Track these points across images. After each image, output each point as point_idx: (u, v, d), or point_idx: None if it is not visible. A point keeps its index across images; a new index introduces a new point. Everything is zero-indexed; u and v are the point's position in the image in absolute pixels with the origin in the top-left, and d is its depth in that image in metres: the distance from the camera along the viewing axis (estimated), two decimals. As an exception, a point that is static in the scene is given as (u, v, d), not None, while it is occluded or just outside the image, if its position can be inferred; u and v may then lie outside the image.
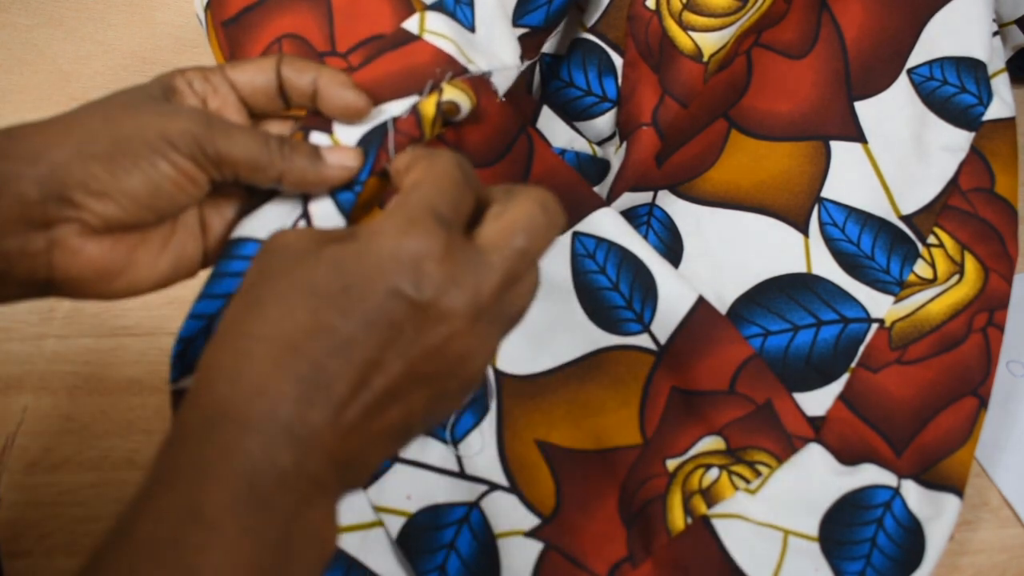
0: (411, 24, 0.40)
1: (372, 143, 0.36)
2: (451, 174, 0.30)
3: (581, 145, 0.52)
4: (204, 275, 0.37)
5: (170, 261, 0.34)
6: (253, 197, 0.36)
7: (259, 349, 0.27)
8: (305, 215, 0.35)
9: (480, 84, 0.40)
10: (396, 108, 0.37)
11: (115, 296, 0.33)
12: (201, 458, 0.26)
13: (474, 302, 0.28)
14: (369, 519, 0.42)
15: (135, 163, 0.31)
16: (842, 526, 0.42)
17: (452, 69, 0.39)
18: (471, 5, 0.42)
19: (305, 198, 0.35)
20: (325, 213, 0.35)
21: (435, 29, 0.39)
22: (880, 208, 0.51)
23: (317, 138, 0.36)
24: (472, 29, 0.41)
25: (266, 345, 0.27)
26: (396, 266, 0.28)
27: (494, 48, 0.42)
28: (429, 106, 0.37)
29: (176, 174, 0.32)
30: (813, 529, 0.42)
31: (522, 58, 0.44)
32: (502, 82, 0.42)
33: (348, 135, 0.36)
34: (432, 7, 0.41)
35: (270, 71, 0.35)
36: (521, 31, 0.45)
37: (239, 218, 0.36)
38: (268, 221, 0.35)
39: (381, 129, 0.36)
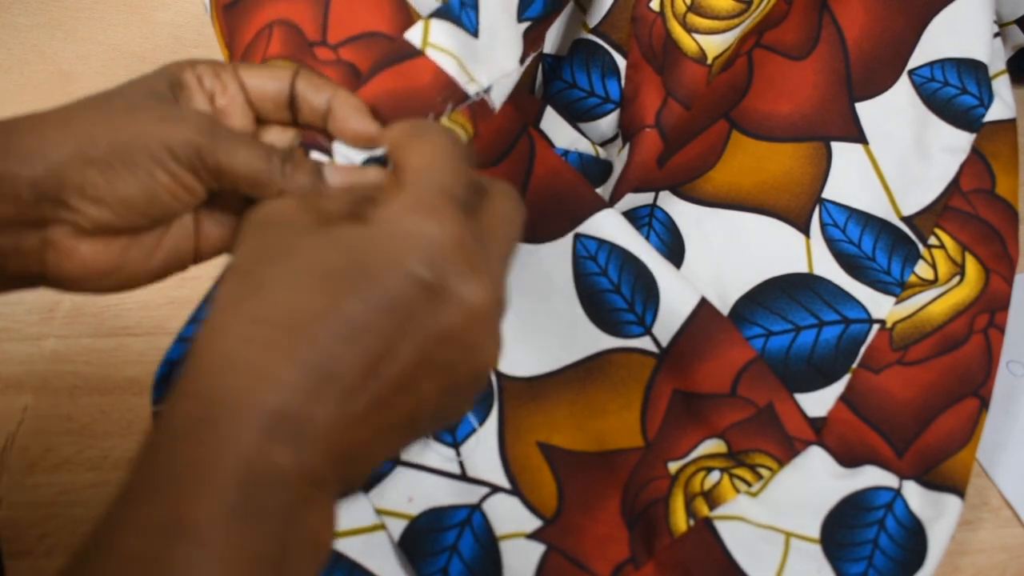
0: (414, 35, 0.39)
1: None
2: (457, 154, 0.29)
3: (584, 146, 0.52)
4: (203, 274, 0.36)
5: (162, 260, 0.34)
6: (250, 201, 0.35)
7: (261, 333, 0.25)
8: None
9: (478, 110, 0.40)
10: None
11: (107, 291, 0.33)
12: (190, 459, 0.24)
13: (488, 288, 0.27)
14: (371, 522, 0.42)
15: (133, 171, 0.30)
16: (844, 528, 0.43)
17: (453, 97, 0.38)
18: (475, 8, 0.41)
19: None
20: None
21: (438, 43, 0.39)
22: (881, 209, 0.51)
23: (316, 158, 0.36)
24: (475, 34, 0.41)
25: (269, 329, 0.25)
26: (414, 249, 0.26)
27: (496, 54, 0.41)
28: None
29: (173, 184, 0.31)
30: (815, 531, 0.42)
31: (522, 59, 0.44)
32: (501, 91, 0.42)
33: (346, 158, 0.36)
34: (437, 14, 0.40)
35: (284, 80, 0.35)
36: (524, 25, 0.45)
37: (234, 220, 0.35)
38: None
39: (379, 162, 0.36)
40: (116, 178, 0.30)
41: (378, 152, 0.36)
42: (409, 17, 0.42)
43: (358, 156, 0.36)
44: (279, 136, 0.36)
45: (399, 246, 0.26)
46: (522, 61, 0.43)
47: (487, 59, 0.41)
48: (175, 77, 0.33)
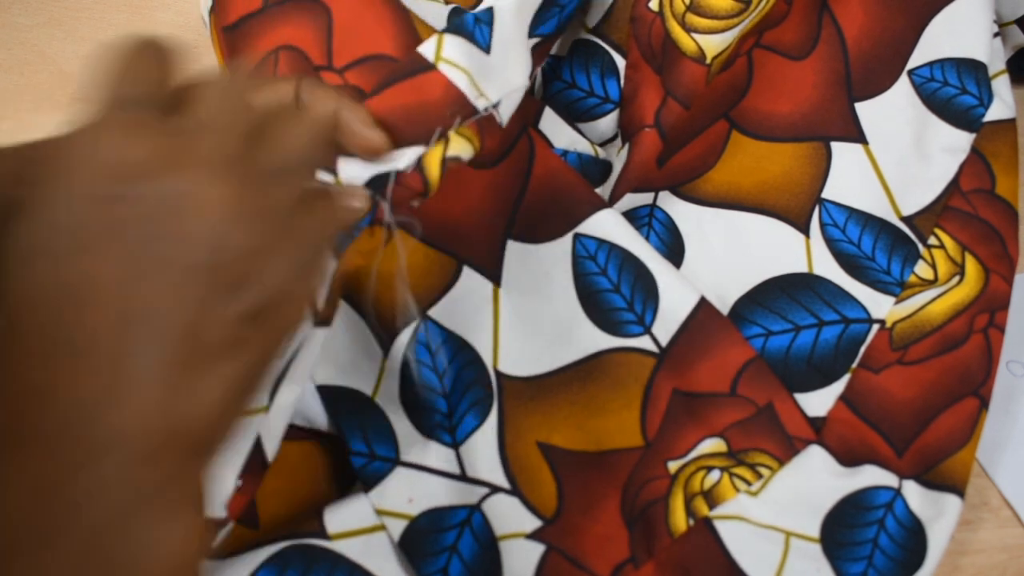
0: (427, 49, 0.40)
1: (374, 192, 0.36)
2: (124, 51, 0.26)
3: (583, 146, 0.52)
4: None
5: None
6: None
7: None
8: None
9: (486, 124, 0.40)
10: (403, 156, 0.37)
11: None
12: None
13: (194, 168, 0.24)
14: (371, 523, 0.42)
15: None
16: (844, 527, 0.43)
17: (462, 112, 0.39)
18: (490, 24, 0.42)
19: None
20: None
21: (450, 57, 0.39)
22: (881, 209, 0.51)
23: (319, 174, 0.36)
24: (488, 50, 0.41)
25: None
26: (92, 171, 0.23)
27: (507, 70, 0.42)
28: (434, 165, 0.38)
29: None
30: (815, 530, 0.42)
31: (531, 74, 0.44)
32: (509, 106, 0.42)
33: (351, 176, 0.37)
34: (450, 30, 0.40)
35: (288, 93, 0.35)
36: (534, 41, 0.45)
37: None
38: None
39: (384, 179, 0.37)
40: None
41: (387, 167, 0.36)
42: (414, 35, 0.42)
43: (365, 171, 0.36)
44: None
45: (81, 169, 0.23)
46: (531, 76, 0.44)
47: (498, 75, 0.41)
48: None
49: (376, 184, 0.37)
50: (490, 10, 0.42)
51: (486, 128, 0.40)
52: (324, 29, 0.42)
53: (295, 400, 0.38)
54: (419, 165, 0.38)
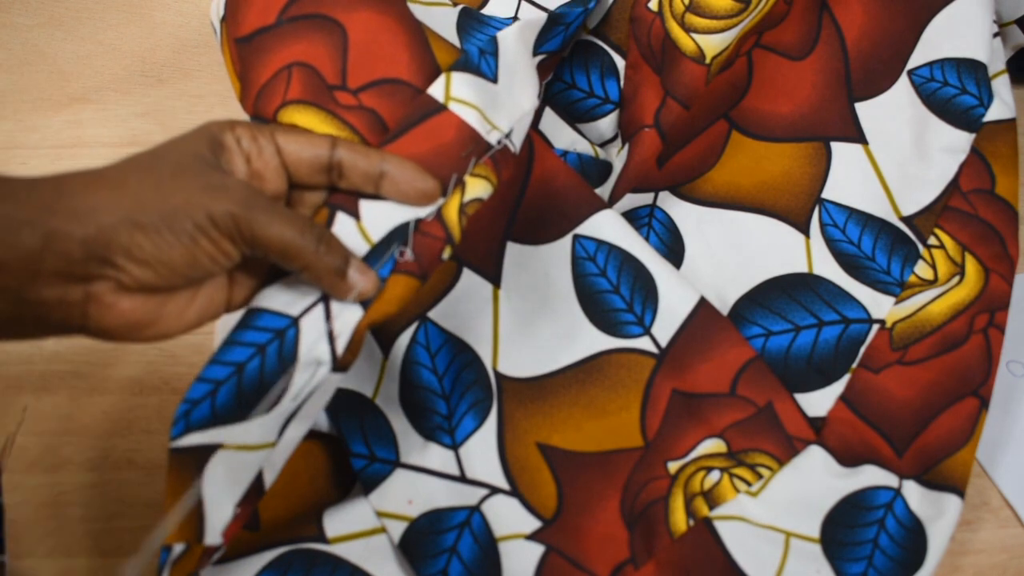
0: (436, 90, 0.40)
1: (395, 241, 0.37)
2: None
3: (583, 147, 0.52)
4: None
5: (197, 312, 0.35)
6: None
7: None
8: (324, 299, 0.36)
9: (501, 157, 0.41)
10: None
11: (145, 341, 0.35)
12: None
13: None
14: (371, 526, 0.43)
15: (178, 237, 0.33)
16: (844, 527, 0.43)
17: (476, 151, 0.39)
18: (495, 55, 0.42)
19: None
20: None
21: (460, 96, 0.40)
22: (881, 209, 0.51)
23: (343, 220, 0.37)
24: (495, 79, 0.41)
25: None
26: None
27: (515, 95, 0.42)
28: (452, 211, 0.38)
29: (214, 249, 0.33)
30: (815, 531, 0.42)
31: (539, 93, 0.45)
32: (520, 131, 0.43)
33: (374, 221, 0.37)
34: (457, 66, 0.41)
35: (322, 147, 0.37)
36: (540, 58, 0.45)
37: (265, 272, 0.37)
38: (289, 296, 0.36)
39: (404, 229, 0.37)
40: (162, 243, 0.32)
41: (422, 213, 0.38)
42: (430, 57, 0.42)
43: (382, 220, 0.37)
44: (313, 199, 0.38)
45: None
46: (538, 95, 0.44)
47: (507, 102, 0.42)
48: (216, 138, 0.35)
49: (396, 235, 0.37)
50: (494, 40, 0.43)
51: (501, 161, 0.41)
52: (339, 48, 0.41)
53: (301, 436, 0.38)
54: (439, 216, 0.38)
